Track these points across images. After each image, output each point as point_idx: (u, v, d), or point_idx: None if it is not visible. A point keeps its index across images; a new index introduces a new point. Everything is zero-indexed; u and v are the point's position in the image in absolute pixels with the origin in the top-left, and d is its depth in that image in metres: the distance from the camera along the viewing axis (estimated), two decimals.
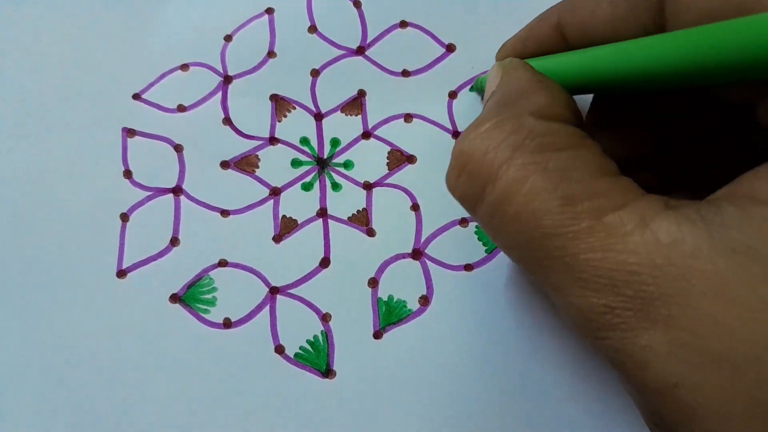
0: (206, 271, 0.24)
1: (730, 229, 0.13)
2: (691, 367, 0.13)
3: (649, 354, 0.13)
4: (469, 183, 0.16)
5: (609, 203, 0.14)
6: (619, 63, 0.17)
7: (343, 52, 0.27)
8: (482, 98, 0.24)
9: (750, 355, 0.12)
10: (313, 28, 0.27)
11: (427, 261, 0.24)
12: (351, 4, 0.27)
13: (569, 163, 0.15)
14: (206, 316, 0.23)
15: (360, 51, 0.27)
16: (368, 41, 0.27)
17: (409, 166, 0.26)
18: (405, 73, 0.27)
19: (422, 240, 0.25)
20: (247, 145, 0.26)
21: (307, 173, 0.25)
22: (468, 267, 0.24)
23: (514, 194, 0.15)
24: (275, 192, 0.25)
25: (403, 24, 0.27)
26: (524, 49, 0.21)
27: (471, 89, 0.26)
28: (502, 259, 0.24)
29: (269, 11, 0.27)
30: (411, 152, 0.26)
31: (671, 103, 0.20)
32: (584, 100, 0.22)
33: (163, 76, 0.27)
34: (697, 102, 0.20)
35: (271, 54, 0.27)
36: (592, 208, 0.14)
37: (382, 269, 0.24)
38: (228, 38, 0.27)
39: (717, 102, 0.18)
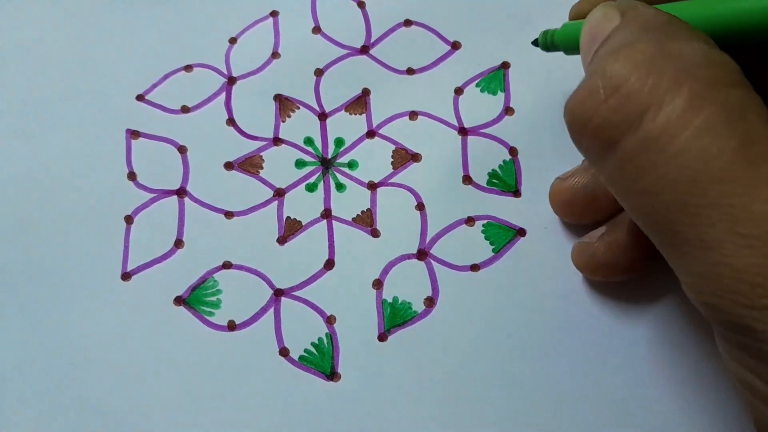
0: (210, 273, 0.24)
1: None
2: None
3: None
4: (622, 107, 0.14)
5: None
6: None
7: (347, 51, 0.27)
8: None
9: None
10: (317, 29, 0.27)
11: (432, 261, 0.24)
12: (355, 4, 0.27)
13: (746, 103, 0.13)
14: (210, 319, 0.23)
15: (364, 50, 0.27)
16: (372, 40, 0.27)
17: (414, 164, 0.25)
18: (410, 71, 0.26)
19: (427, 240, 0.24)
20: (251, 146, 0.26)
21: (311, 174, 0.25)
22: (474, 267, 0.24)
23: (683, 127, 0.13)
24: (279, 193, 0.25)
25: (408, 23, 0.27)
26: None
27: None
28: (509, 259, 0.24)
29: (274, 14, 0.27)
30: (416, 150, 0.25)
31: None
32: None
33: (166, 77, 0.26)
34: None
35: (275, 55, 0.27)
36: (763, 154, 0.13)
37: (386, 270, 0.24)
38: (233, 40, 0.27)
39: None
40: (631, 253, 0.21)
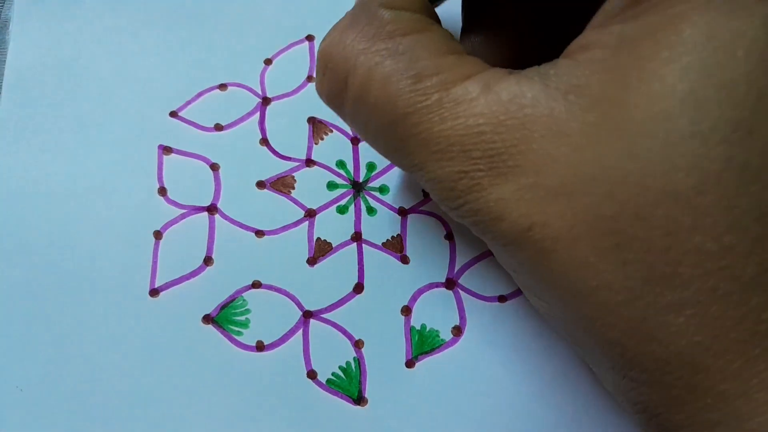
0: (240, 292, 0.24)
1: (562, 77, 0.14)
2: (538, 205, 0.14)
3: (502, 205, 0.14)
4: (332, 80, 0.17)
5: (455, 76, 0.15)
6: None
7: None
8: None
9: (583, 180, 0.13)
10: None
11: (460, 291, 0.24)
12: None
13: (417, 45, 0.16)
14: (239, 339, 0.23)
15: None
16: None
17: None
18: None
19: (456, 270, 0.25)
20: (283, 166, 0.26)
21: (342, 196, 0.25)
22: (502, 298, 0.24)
23: (371, 81, 0.15)
24: (310, 214, 0.25)
25: None
26: None
27: None
28: None
29: (309, 38, 0.27)
30: None
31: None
32: None
33: (200, 94, 0.27)
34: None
35: (310, 78, 0.27)
36: (440, 82, 0.15)
37: (415, 297, 0.24)
38: (268, 62, 0.27)
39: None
40: None
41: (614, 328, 0.14)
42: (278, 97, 0.27)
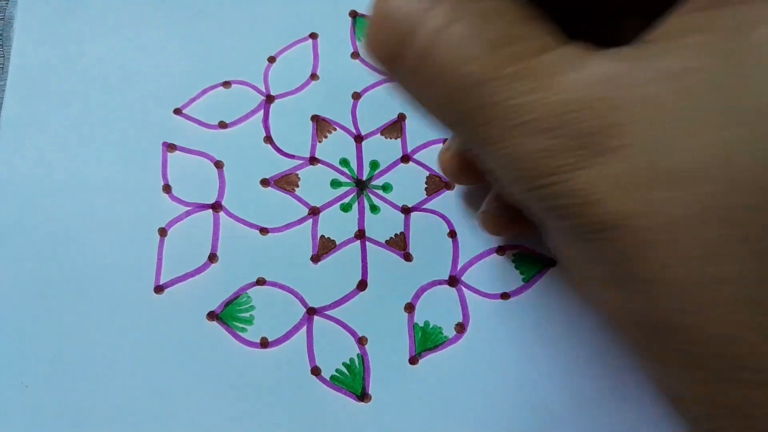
0: (244, 289, 0.24)
1: (665, 59, 0.13)
2: (641, 192, 0.12)
3: (595, 189, 0.13)
4: (389, 39, 0.15)
5: (539, 45, 0.14)
6: None
7: (384, 77, 0.27)
8: None
9: (704, 166, 0.12)
10: (355, 54, 0.27)
11: (463, 288, 0.24)
12: None
13: (493, 9, 0.14)
14: (243, 335, 0.23)
15: None
16: None
17: (447, 191, 0.26)
18: None
19: (459, 267, 0.25)
20: (287, 164, 0.26)
21: (346, 194, 0.26)
22: (504, 296, 0.24)
23: (438, 43, 0.14)
24: (314, 211, 0.25)
25: None
26: None
27: None
28: (539, 288, 0.24)
29: (313, 36, 0.27)
30: None
31: None
32: None
33: (204, 92, 0.27)
34: None
35: (313, 76, 0.27)
36: (523, 51, 0.14)
37: (418, 295, 0.24)
38: (272, 59, 0.27)
39: None
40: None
41: (733, 325, 0.12)
42: (282, 95, 0.27)
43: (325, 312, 0.24)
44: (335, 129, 0.26)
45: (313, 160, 0.26)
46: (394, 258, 0.25)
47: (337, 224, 0.25)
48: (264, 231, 0.25)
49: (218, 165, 0.26)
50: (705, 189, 0.12)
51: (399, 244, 0.25)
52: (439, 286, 0.24)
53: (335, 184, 0.26)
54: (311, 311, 0.24)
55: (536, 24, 0.14)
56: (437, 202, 0.26)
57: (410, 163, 0.26)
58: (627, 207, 0.13)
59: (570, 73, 0.13)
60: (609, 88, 0.13)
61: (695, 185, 0.12)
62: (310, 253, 0.25)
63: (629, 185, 0.12)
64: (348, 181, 0.26)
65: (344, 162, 0.26)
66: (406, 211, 0.25)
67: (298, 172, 0.26)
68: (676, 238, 0.12)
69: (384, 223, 0.25)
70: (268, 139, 0.26)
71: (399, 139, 0.26)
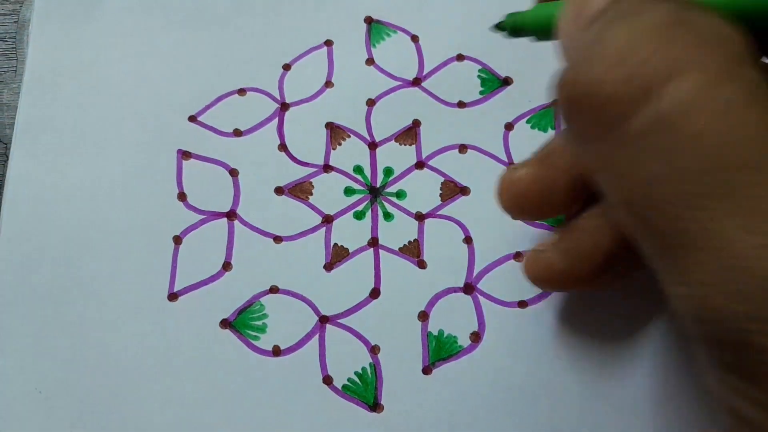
0: (257, 297, 0.24)
1: None
2: None
3: None
4: (631, 78, 0.12)
5: None
6: None
7: (399, 83, 0.27)
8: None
9: None
10: (370, 61, 0.27)
11: (479, 296, 0.24)
12: (408, 38, 0.28)
13: (763, 82, 0.12)
14: (256, 343, 0.23)
15: (416, 82, 0.27)
16: (425, 73, 0.27)
17: (463, 197, 0.25)
18: (461, 105, 0.27)
19: (474, 274, 0.24)
20: (301, 172, 0.26)
21: (359, 202, 0.25)
22: (522, 304, 0.24)
23: (702, 107, 0.11)
24: (328, 219, 0.25)
25: (460, 57, 0.27)
26: None
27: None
28: (558, 296, 0.24)
29: (328, 43, 0.27)
30: (464, 183, 0.25)
31: None
32: None
33: (219, 99, 0.27)
34: None
35: (328, 84, 0.27)
36: None
37: (432, 303, 0.24)
38: (287, 67, 0.27)
39: None
40: (593, 261, 0.19)
41: None
42: (296, 103, 0.27)
43: (338, 320, 0.24)
44: (349, 136, 0.26)
45: (327, 167, 0.26)
46: (407, 265, 0.24)
47: (350, 232, 0.25)
48: (278, 239, 0.25)
49: (233, 173, 0.26)
50: None
51: (413, 251, 0.25)
52: (453, 294, 0.24)
53: (349, 191, 0.26)
54: (324, 319, 0.24)
55: None
56: (452, 208, 0.25)
57: (424, 169, 0.26)
58: None
59: None
60: None
61: None
62: (323, 261, 0.24)
63: None
64: (361, 188, 0.26)
65: (358, 169, 0.26)
66: (420, 217, 0.25)
67: (312, 180, 0.26)
68: None
69: (397, 231, 0.25)
70: (283, 146, 0.26)
71: (413, 146, 0.26)
